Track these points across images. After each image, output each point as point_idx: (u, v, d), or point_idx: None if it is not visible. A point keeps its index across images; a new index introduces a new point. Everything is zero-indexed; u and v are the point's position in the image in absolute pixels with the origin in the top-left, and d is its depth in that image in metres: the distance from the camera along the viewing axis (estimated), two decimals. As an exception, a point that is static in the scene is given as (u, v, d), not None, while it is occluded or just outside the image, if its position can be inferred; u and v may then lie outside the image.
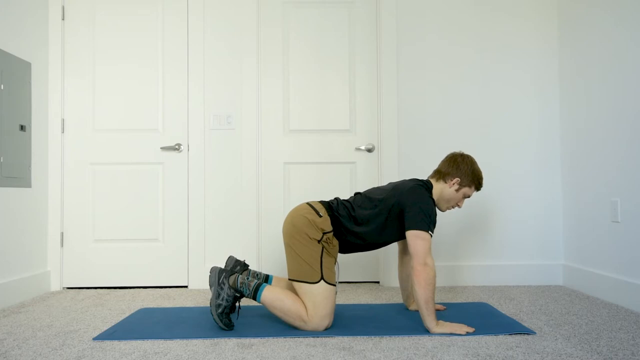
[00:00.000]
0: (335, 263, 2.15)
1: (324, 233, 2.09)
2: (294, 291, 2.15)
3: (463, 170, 2.19)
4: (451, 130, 3.15)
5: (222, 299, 2.03)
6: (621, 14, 2.57)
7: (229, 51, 3.17)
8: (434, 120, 3.15)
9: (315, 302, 2.03)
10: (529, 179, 3.15)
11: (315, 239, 2.07)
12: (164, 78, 3.17)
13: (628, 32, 2.52)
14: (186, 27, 3.18)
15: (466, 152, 3.13)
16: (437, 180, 2.23)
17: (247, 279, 2.12)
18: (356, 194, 2.27)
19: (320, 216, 2.11)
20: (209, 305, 2.22)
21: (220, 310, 2.02)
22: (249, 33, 3.16)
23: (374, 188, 2.28)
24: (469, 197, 2.26)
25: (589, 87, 2.84)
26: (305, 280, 2.06)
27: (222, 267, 2.13)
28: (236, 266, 2.30)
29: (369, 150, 3.19)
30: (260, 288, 2.08)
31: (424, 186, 2.16)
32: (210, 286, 2.08)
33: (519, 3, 3.18)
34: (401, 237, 2.20)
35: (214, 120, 3.14)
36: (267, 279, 2.37)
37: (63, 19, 3.15)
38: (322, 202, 2.19)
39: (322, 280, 2.05)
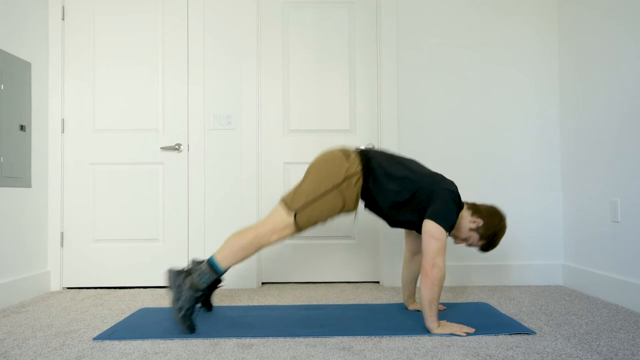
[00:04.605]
0: (353, 209, 2.10)
1: (346, 178, 2.05)
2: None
3: (491, 223, 2.13)
4: (451, 131, 3.15)
5: (183, 301, 2.00)
6: (621, 15, 2.57)
7: (229, 51, 3.17)
8: (434, 120, 3.15)
9: (270, 220, 2.04)
10: (529, 179, 3.15)
11: (334, 182, 2.05)
12: (164, 78, 3.17)
13: (628, 33, 2.52)
14: (186, 27, 3.18)
15: (466, 152, 3.14)
16: (467, 208, 2.18)
17: (198, 267, 2.05)
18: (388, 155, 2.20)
19: (349, 159, 2.08)
20: (176, 325, 2.11)
21: (182, 313, 1.98)
22: (249, 33, 3.16)
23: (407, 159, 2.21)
24: (469, 245, 2.19)
25: (589, 87, 2.84)
26: (286, 202, 2.06)
27: (180, 269, 2.08)
28: (197, 265, 2.13)
29: (369, 150, 3.18)
30: (211, 257, 2.06)
31: (457, 199, 2.07)
32: (170, 288, 2.02)
33: (519, 4, 3.18)
34: (402, 208, 2.13)
35: (214, 120, 3.15)
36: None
37: (63, 19, 3.16)
38: (357, 149, 2.17)
39: (295, 215, 2.03)
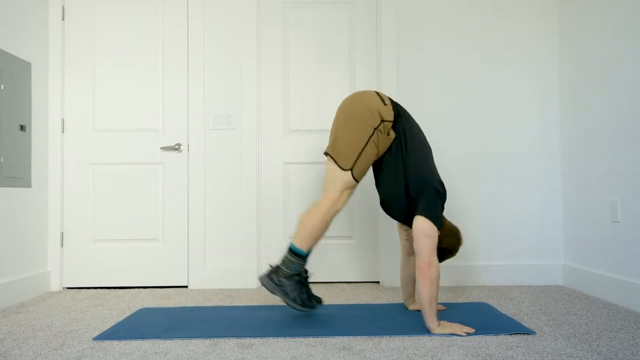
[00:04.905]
0: (377, 156, 2.14)
1: (382, 121, 2.09)
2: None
3: (446, 240, 2.16)
4: (451, 131, 3.15)
5: (290, 291, 2.05)
6: (621, 15, 2.57)
7: (229, 51, 3.17)
8: (434, 120, 3.15)
9: (334, 187, 2.09)
10: (528, 179, 3.15)
11: (372, 126, 2.08)
12: (164, 78, 3.17)
13: (628, 33, 2.52)
14: (186, 27, 3.18)
15: (465, 152, 3.13)
16: None
17: (283, 259, 2.12)
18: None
19: (385, 105, 2.11)
20: (306, 312, 2.20)
21: (299, 301, 2.05)
22: (249, 33, 3.16)
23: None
24: None
25: (589, 87, 2.84)
26: (337, 160, 2.10)
27: (267, 271, 2.13)
28: (277, 266, 2.19)
29: (369, 150, 3.18)
30: (291, 245, 2.12)
31: (444, 201, 2.11)
32: (273, 292, 2.08)
33: (519, 4, 3.18)
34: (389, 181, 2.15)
35: (214, 120, 3.14)
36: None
37: (63, 19, 3.16)
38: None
39: (350, 171, 2.09)
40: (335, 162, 2.11)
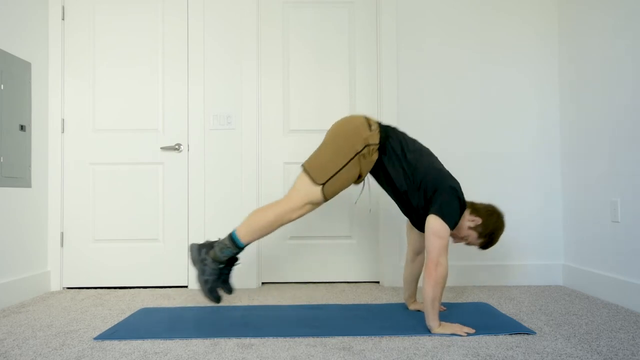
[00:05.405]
0: (360, 181, 2.16)
1: (366, 145, 2.09)
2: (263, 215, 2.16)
3: (490, 221, 2.14)
4: (451, 131, 3.15)
5: (207, 274, 2.05)
6: (621, 15, 2.57)
7: (229, 51, 3.17)
8: (434, 120, 3.15)
9: (298, 196, 2.09)
10: (528, 179, 3.15)
11: (355, 150, 2.08)
12: (164, 78, 3.17)
13: (628, 33, 2.52)
14: (186, 27, 3.18)
15: (465, 152, 3.13)
16: (467, 207, 2.19)
17: (219, 241, 2.13)
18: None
19: (371, 130, 2.12)
20: (204, 297, 2.26)
21: (208, 286, 2.05)
22: (249, 33, 3.16)
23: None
24: (468, 243, 2.21)
25: (589, 87, 2.84)
26: (310, 173, 2.10)
27: (202, 243, 2.17)
28: (212, 242, 2.25)
29: (369, 150, 3.18)
30: (232, 232, 2.13)
31: (462, 197, 2.09)
32: (193, 263, 2.08)
33: (519, 4, 3.18)
34: (404, 194, 2.14)
35: (214, 120, 3.14)
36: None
37: (63, 19, 3.16)
38: (378, 121, 2.20)
39: (321, 187, 2.08)
40: (309, 174, 2.11)
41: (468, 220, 2.16)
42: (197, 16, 3.16)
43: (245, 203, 3.12)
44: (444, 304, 2.51)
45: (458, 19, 3.18)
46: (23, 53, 2.86)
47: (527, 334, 1.99)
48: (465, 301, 2.63)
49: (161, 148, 3.14)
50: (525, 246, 3.14)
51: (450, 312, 2.35)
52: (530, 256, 3.14)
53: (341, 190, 2.15)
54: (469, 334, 1.97)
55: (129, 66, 3.17)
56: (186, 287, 3.13)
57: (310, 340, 1.94)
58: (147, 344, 1.90)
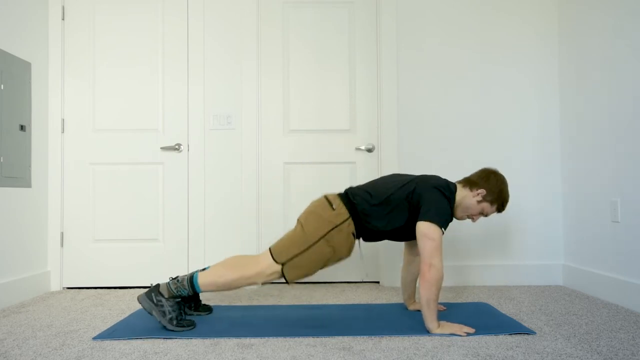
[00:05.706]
0: (349, 253, 2.13)
1: (334, 227, 2.07)
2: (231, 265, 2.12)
3: (492, 185, 2.15)
4: (451, 131, 3.15)
5: (169, 312, 2.01)
6: (621, 15, 2.57)
7: (229, 51, 3.17)
8: (434, 120, 3.15)
9: (261, 269, 2.05)
10: (529, 179, 3.15)
11: (319, 235, 2.07)
12: (164, 78, 3.17)
13: (628, 33, 2.52)
14: (186, 27, 3.18)
15: (465, 152, 3.13)
16: (464, 186, 2.19)
17: (177, 280, 2.07)
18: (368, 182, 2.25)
19: (334, 209, 2.11)
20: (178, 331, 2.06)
21: (174, 322, 2.01)
22: (249, 33, 3.16)
23: (390, 176, 2.25)
24: (486, 215, 2.20)
25: (589, 87, 2.84)
26: (273, 253, 2.08)
27: (147, 290, 2.10)
28: (157, 284, 2.14)
29: (369, 150, 3.19)
30: (194, 276, 2.07)
31: (446, 189, 2.11)
32: (150, 312, 2.02)
33: (519, 4, 3.18)
34: (406, 224, 2.14)
35: (214, 120, 3.15)
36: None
37: (63, 19, 3.16)
38: (339, 194, 2.18)
39: (282, 267, 2.06)
40: (272, 253, 2.09)
41: (474, 196, 2.16)
42: (197, 16, 3.16)
43: (245, 203, 3.12)
44: (443, 304, 2.51)
45: (458, 19, 3.18)
46: (23, 53, 2.86)
47: (527, 334, 1.99)
48: (465, 301, 2.63)
49: (161, 148, 3.14)
50: (525, 246, 3.14)
51: (450, 312, 2.35)
52: (530, 256, 3.14)
53: (310, 272, 2.09)
54: (468, 334, 1.97)
55: (129, 66, 3.17)
56: (186, 287, 3.13)
57: (310, 340, 1.94)
58: (147, 344, 1.90)
